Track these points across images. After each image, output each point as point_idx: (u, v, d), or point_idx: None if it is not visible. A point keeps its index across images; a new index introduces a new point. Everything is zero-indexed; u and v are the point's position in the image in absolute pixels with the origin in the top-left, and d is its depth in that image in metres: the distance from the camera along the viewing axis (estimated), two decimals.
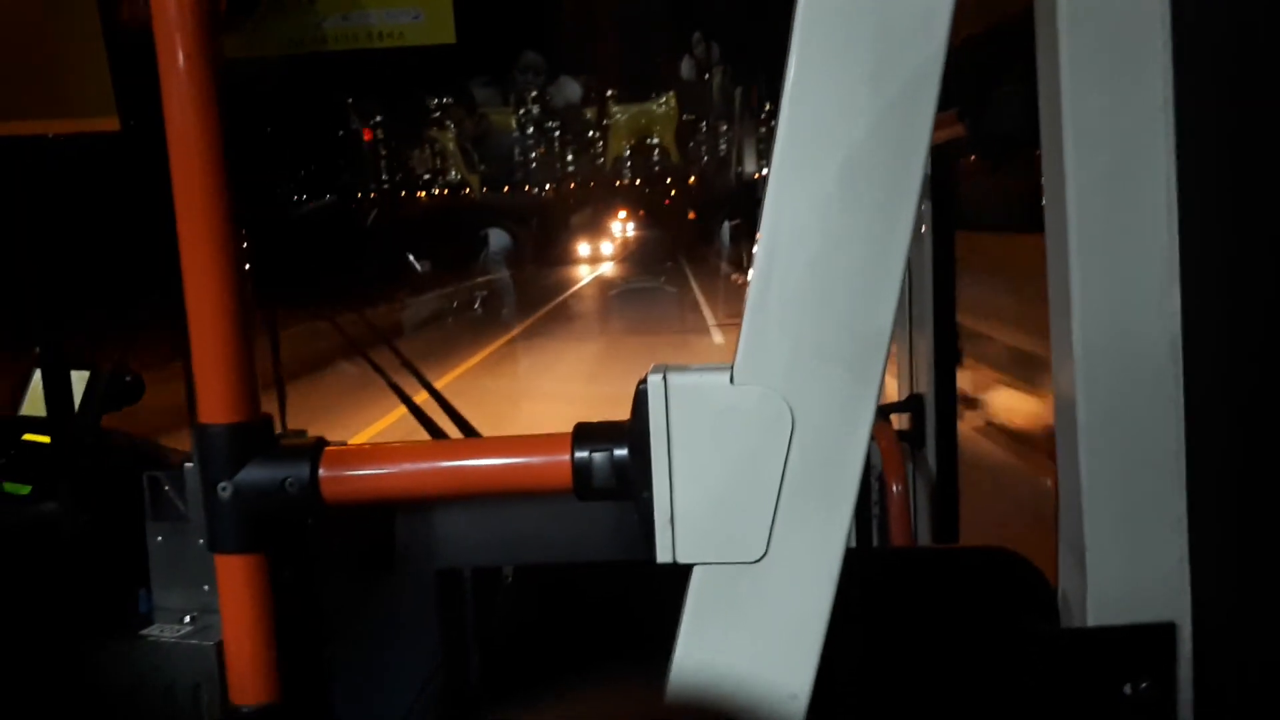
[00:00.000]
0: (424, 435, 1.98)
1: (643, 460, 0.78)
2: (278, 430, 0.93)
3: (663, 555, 0.78)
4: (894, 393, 2.41)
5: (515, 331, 17.90)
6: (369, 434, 8.17)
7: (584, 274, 31.73)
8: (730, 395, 0.76)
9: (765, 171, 0.80)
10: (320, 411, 8.30)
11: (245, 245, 0.89)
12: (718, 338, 15.24)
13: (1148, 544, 0.85)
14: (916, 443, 2.30)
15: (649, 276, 28.49)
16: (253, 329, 0.89)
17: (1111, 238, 0.83)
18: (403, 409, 2.02)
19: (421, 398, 2.04)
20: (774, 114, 0.76)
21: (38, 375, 1.79)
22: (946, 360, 2.25)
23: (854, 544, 1.91)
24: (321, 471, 0.86)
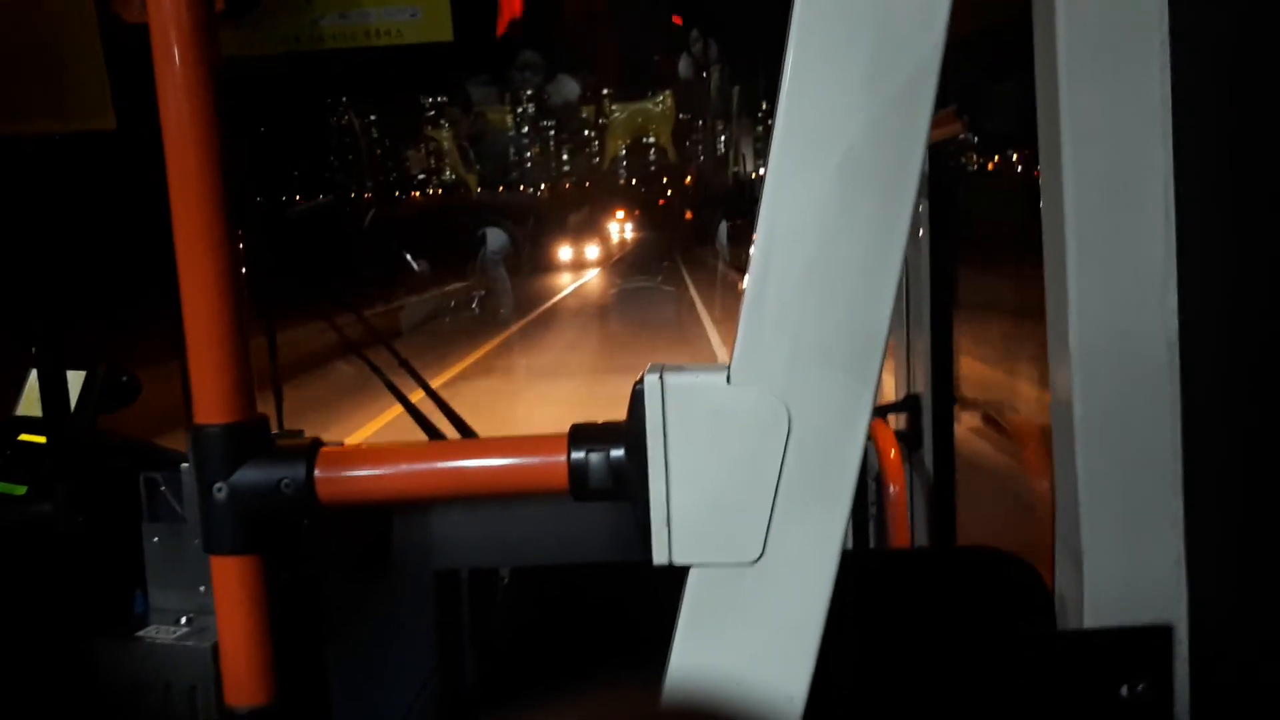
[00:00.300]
0: (421, 435, 1.98)
1: (639, 461, 0.77)
2: (274, 430, 0.93)
3: (659, 556, 0.78)
4: (891, 393, 2.41)
5: (512, 330, 17.93)
6: (366, 434, 8.17)
7: (584, 275, 31.73)
8: (727, 396, 0.76)
9: (762, 170, 0.80)
10: (319, 408, 8.30)
11: (241, 245, 0.89)
12: (714, 339, 15.24)
13: (1144, 546, 0.85)
14: (914, 443, 2.30)
15: (645, 276, 28.53)
16: (248, 329, 0.89)
17: (1108, 237, 0.83)
18: (398, 408, 2.02)
19: (418, 397, 2.04)
20: (771, 112, 0.76)
21: (34, 375, 1.79)
22: (944, 360, 2.25)
23: (851, 545, 1.91)
24: (317, 472, 0.86)
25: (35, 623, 1.44)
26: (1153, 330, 0.83)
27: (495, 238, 25.42)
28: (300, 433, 1.34)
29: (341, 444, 0.91)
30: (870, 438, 0.77)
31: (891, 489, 2.05)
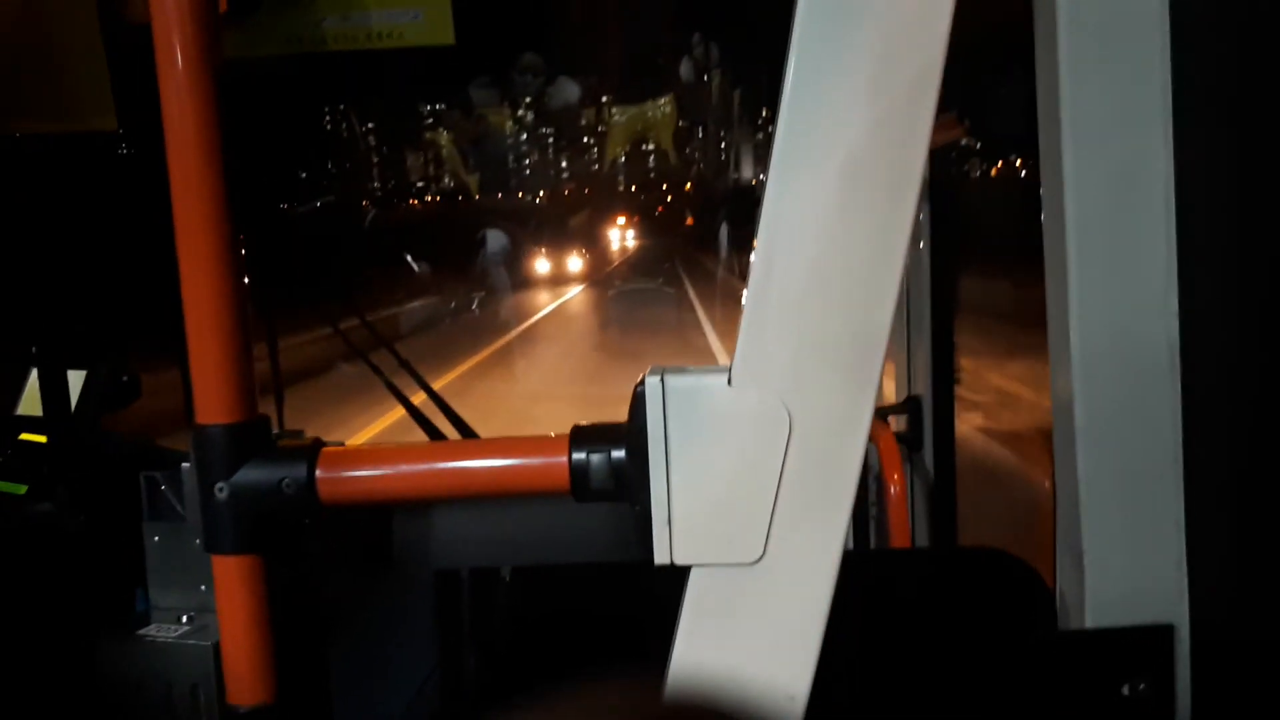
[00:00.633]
0: (422, 436, 1.97)
1: (640, 462, 0.78)
2: (275, 430, 0.93)
3: (660, 557, 0.78)
4: (892, 395, 2.41)
5: (512, 334, 17.95)
6: (366, 436, 8.17)
7: (582, 276, 31.74)
8: (728, 397, 0.76)
9: (763, 175, 0.80)
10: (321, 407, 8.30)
11: (243, 246, 0.89)
12: (715, 343, 15.25)
13: (1146, 546, 0.85)
14: (914, 444, 2.30)
15: (647, 279, 28.56)
16: (250, 329, 0.89)
17: (1109, 239, 0.83)
18: (400, 410, 2.02)
19: (419, 399, 2.04)
20: (773, 117, 0.76)
21: (34, 374, 1.79)
22: (944, 362, 2.25)
23: (852, 546, 1.91)
24: (318, 472, 0.86)
25: (36, 622, 1.44)
26: (1154, 331, 0.83)
27: (496, 240, 25.44)
28: (301, 433, 1.35)
29: (342, 444, 0.91)
30: (871, 439, 0.77)
31: (892, 490, 2.05)
